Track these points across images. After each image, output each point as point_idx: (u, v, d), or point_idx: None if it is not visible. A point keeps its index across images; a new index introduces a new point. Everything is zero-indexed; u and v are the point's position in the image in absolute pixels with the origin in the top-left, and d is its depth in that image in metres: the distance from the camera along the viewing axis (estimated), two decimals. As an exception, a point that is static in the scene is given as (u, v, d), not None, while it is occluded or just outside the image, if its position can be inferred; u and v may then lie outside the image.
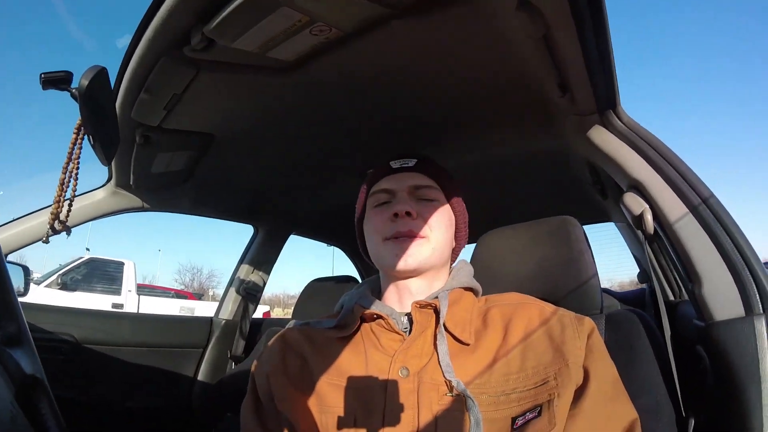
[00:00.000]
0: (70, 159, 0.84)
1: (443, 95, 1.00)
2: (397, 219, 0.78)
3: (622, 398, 0.66)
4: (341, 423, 0.66)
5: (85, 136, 0.86)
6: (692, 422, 0.77)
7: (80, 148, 0.85)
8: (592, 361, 0.66)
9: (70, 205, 0.89)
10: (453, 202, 0.86)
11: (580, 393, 0.64)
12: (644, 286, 2.37)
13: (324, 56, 0.84)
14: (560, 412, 0.62)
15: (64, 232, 0.93)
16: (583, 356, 0.66)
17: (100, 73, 0.76)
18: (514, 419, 0.62)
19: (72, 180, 0.87)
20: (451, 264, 0.88)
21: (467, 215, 0.90)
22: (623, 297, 2.37)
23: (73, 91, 0.78)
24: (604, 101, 0.91)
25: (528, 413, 0.62)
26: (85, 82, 0.74)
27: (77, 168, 0.86)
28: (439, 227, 0.80)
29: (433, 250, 0.78)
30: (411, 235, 0.77)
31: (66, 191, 0.85)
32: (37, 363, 0.71)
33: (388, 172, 0.85)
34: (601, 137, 0.97)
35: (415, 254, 0.77)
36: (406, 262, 0.76)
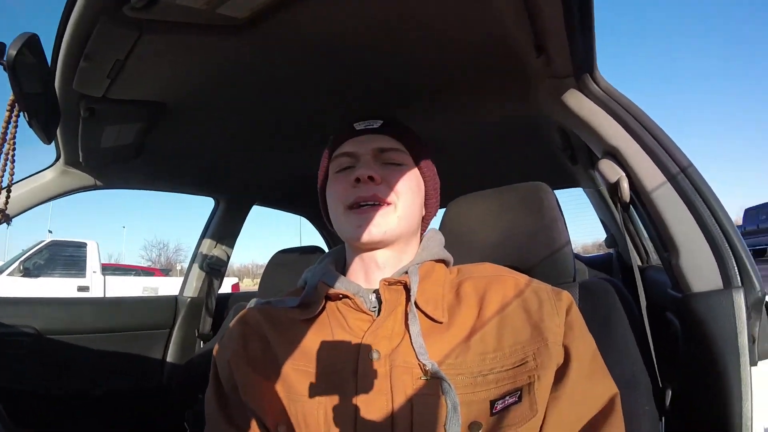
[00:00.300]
0: (4, 140, 0.75)
1: (412, 55, 0.94)
2: (360, 184, 0.72)
3: (602, 373, 0.65)
4: (311, 411, 0.62)
5: (21, 113, 0.77)
6: (669, 393, 0.77)
7: (15, 126, 0.76)
8: (572, 339, 0.64)
9: (8, 191, 0.80)
10: (422, 166, 0.80)
11: (561, 373, 0.62)
12: (611, 250, 2.42)
13: (282, 12, 0.76)
14: (541, 396, 0.60)
15: (5, 223, 0.85)
16: (562, 334, 0.64)
17: (30, 40, 0.68)
18: (492, 402, 0.60)
19: (9, 163, 0.78)
20: (421, 233, 0.83)
21: (438, 181, 0.84)
22: (591, 261, 2.43)
23: (4, 63, 0.69)
24: (582, 64, 0.88)
25: (507, 397, 0.60)
26: (13, 52, 0.65)
27: (13, 150, 0.77)
28: (407, 193, 0.74)
29: (400, 219, 0.73)
30: (375, 200, 0.72)
31: (2, 177, 0.77)
32: None
33: (351, 135, 0.79)
34: (577, 102, 0.93)
35: (380, 224, 0.71)
36: (370, 233, 0.71)
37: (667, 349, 0.80)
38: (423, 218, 0.82)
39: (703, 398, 0.74)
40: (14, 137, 0.77)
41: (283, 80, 1.02)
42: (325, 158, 0.84)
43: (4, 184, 0.77)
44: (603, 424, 0.60)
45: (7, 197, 0.79)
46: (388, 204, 0.72)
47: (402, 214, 0.73)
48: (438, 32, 0.85)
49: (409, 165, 0.77)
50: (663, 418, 0.75)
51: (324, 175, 0.83)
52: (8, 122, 0.76)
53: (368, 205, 0.72)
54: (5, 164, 0.78)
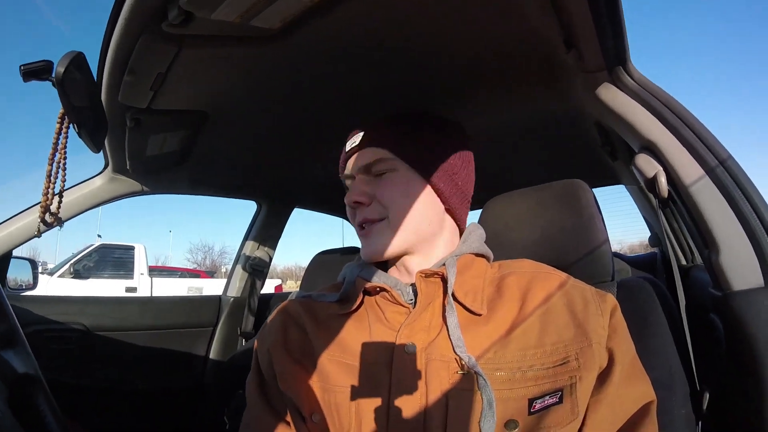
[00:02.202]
0: (55, 150, 0.81)
1: (442, 56, 0.94)
2: (354, 208, 0.75)
3: (641, 377, 0.63)
4: (344, 402, 0.63)
5: (71, 125, 0.83)
6: (707, 396, 0.74)
7: (66, 137, 0.82)
8: (616, 342, 0.63)
9: (60, 197, 0.86)
10: (417, 162, 0.75)
11: (604, 377, 0.61)
12: (655, 249, 2.34)
13: (314, 20, 0.77)
14: (582, 399, 0.59)
15: (57, 226, 0.91)
16: (606, 336, 0.63)
17: (77, 59, 0.73)
18: (531, 401, 0.59)
19: (60, 171, 0.84)
20: (459, 225, 0.81)
21: (463, 164, 0.80)
22: (634, 261, 2.36)
23: (52, 79, 0.74)
24: (613, 57, 0.85)
25: (547, 396, 0.59)
26: (62, 69, 0.71)
27: (65, 158, 0.83)
28: (398, 201, 0.73)
29: (399, 231, 0.72)
30: (367, 222, 0.74)
31: (55, 183, 0.83)
32: (31, 360, 0.70)
33: (345, 156, 0.80)
34: (611, 95, 0.91)
35: (377, 242, 0.73)
36: (373, 252, 0.73)
37: (709, 352, 0.77)
38: (448, 211, 0.78)
39: (740, 402, 0.71)
40: (65, 147, 0.83)
41: (316, 84, 1.04)
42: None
43: (56, 191, 0.83)
44: (637, 429, 0.59)
45: (59, 202, 0.85)
46: (381, 220, 0.73)
47: (397, 225, 0.72)
48: (467, 33, 0.85)
49: (398, 169, 0.75)
50: (699, 422, 0.73)
51: None
52: (59, 133, 0.82)
53: (366, 224, 0.74)
54: (57, 172, 0.84)
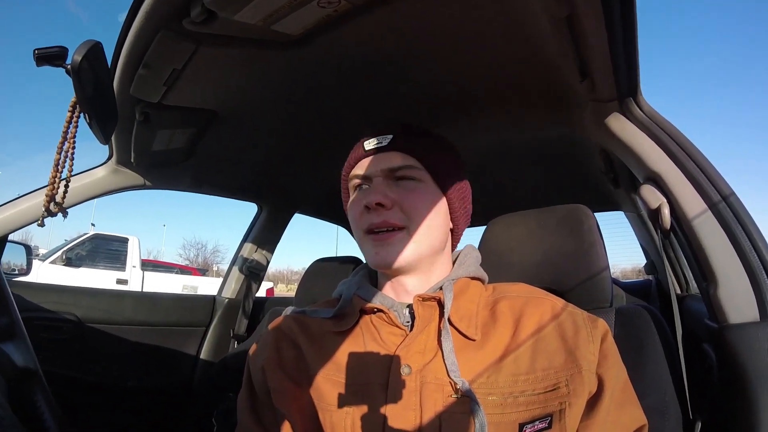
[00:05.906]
0: (65, 138, 0.81)
1: (454, 73, 0.96)
2: (371, 210, 0.70)
3: (632, 402, 0.64)
4: (339, 421, 0.63)
5: (82, 114, 0.83)
6: (699, 425, 0.75)
7: (76, 126, 0.81)
8: (606, 368, 0.63)
9: (66, 186, 0.86)
10: (441, 177, 0.74)
11: (593, 402, 0.61)
12: (650, 277, 2.35)
13: (332, 30, 0.79)
14: (571, 424, 0.59)
15: (60, 214, 0.90)
16: (596, 362, 0.63)
17: (94, 48, 0.73)
18: (522, 425, 0.59)
19: (68, 160, 0.84)
20: (453, 246, 0.81)
21: (468, 189, 0.80)
22: (628, 287, 2.36)
23: (68, 67, 0.74)
24: (625, 88, 0.87)
25: (537, 422, 0.59)
26: (78, 58, 0.70)
27: (73, 147, 0.83)
28: (422, 214, 0.71)
29: (415, 243, 0.70)
30: (386, 226, 0.69)
31: (62, 172, 0.82)
32: (31, 354, 0.70)
33: (362, 155, 0.75)
34: (620, 126, 0.93)
35: (393, 252, 0.69)
36: (385, 260, 0.70)
37: (701, 381, 0.78)
38: (451, 230, 0.79)
39: (731, 431, 0.72)
40: (74, 136, 0.83)
41: (328, 93, 1.06)
42: (344, 177, 0.81)
43: (63, 178, 0.83)
44: None
45: (65, 191, 0.85)
46: (401, 228, 0.70)
47: (417, 237, 0.70)
48: (481, 52, 0.86)
49: (423, 180, 0.73)
50: None
51: (346, 193, 0.82)
52: (69, 122, 0.81)
53: (383, 231, 0.70)
54: (65, 160, 0.84)
